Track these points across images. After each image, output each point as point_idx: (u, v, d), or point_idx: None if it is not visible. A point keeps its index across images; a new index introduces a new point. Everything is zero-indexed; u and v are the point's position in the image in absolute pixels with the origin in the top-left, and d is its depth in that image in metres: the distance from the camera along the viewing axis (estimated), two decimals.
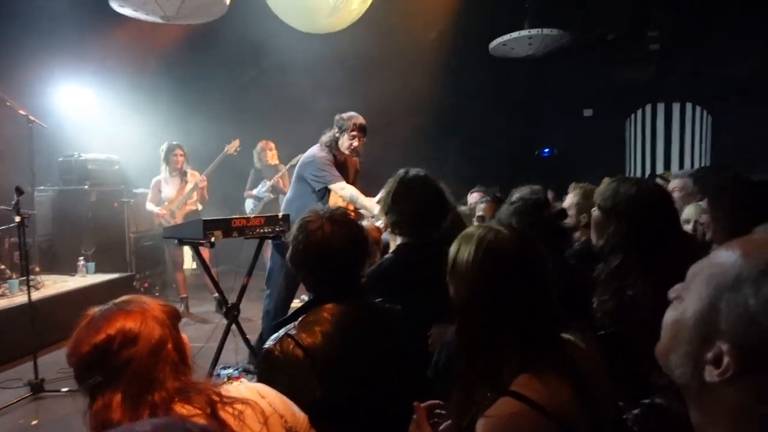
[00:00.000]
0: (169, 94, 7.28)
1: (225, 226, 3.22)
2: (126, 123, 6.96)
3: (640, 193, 1.81)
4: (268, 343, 1.49)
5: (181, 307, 5.93)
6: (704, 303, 0.71)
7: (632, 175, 10.02)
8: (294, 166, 6.71)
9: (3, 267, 5.31)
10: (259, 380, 1.40)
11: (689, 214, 2.90)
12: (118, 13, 5.52)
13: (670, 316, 0.79)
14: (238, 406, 1.17)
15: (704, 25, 7.99)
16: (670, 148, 9.79)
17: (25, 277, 3.96)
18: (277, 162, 6.70)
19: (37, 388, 3.82)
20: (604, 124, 9.95)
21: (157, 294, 6.79)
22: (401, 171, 2.21)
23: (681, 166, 9.69)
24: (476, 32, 7.40)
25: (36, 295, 4.78)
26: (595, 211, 1.96)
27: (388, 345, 1.64)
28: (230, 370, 3.79)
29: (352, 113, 4.10)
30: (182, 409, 1.14)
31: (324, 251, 1.55)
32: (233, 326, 3.66)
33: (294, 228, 1.61)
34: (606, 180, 2.30)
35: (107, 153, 6.64)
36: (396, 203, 2.12)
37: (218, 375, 3.82)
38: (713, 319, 0.70)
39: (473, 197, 4.85)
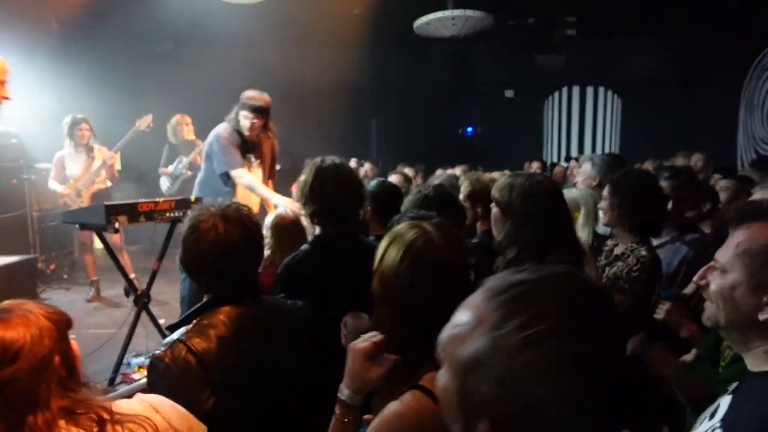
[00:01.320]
0: (75, 63, 6.75)
1: (130, 211, 3.06)
2: (25, 93, 6.39)
3: (533, 188, 1.88)
4: (158, 350, 1.43)
5: (91, 291, 5.64)
6: None
7: (550, 154, 10.48)
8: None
9: None
10: (149, 390, 1.34)
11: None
12: None
13: None
14: (130, 425, 1.11)
15: (618, 13, 8.37)
16: (584, 129, 10.29)
17: None
18: (193, 137, 6.43)
19: None
20: (524, 106, 10.30)
21: (65, 276, 6.42)
22: (317, 159, 2.17)
23: (593, 147, 10.23)
24: (401, 10, 7.36)
25: None
26: (494, 208, 2.01)
27: (293, 344, 1.62)
28: (141, 359, 3.65)
29: (252, 92, 3.81)
30: (67, 430, 1.07)
31: (218, 252, 1.47)
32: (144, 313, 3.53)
33: (185, 227, 1.52)
34: (502, 175, 2.39)
35: (3, 126, 6.09)
36: (312, 193, 2.09)
37: (128, 363, 3.68)
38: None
39: (393, 178, 4.88)
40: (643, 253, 2.17)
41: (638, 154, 7.30)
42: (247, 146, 3.84)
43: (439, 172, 5.61)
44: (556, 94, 10.40)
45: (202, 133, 6.54)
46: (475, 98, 10.45)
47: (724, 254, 1.19)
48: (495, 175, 3.62)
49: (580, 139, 10.34)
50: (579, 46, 9.38)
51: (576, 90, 10.26)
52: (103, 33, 7.00)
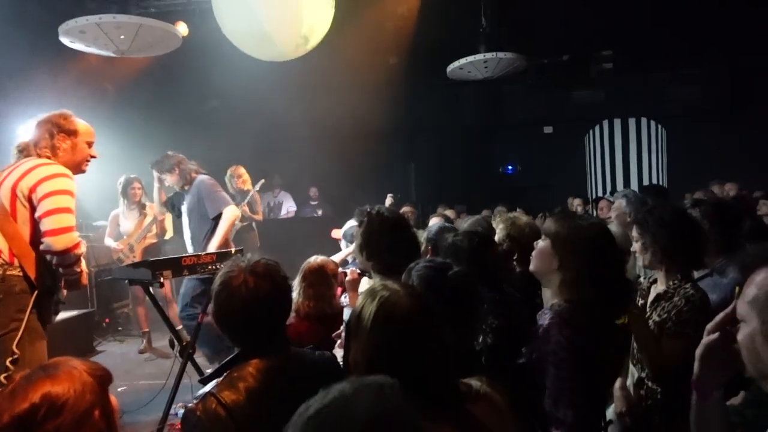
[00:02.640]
0: (128, 124, 7.21)
1: (175, 266, 3.20)
2: None
3: (587, 230, 1.86)
4: (192, 403, 1.48)
5: (143, 342, 5.83)
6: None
7: (594, 189, 10.28)
8: (258, 191, 6.74)
9: None
10: None
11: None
12: (71, 48, 5.50)
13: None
14: None
15: (655, 43, 8.30)
16: (629, 162, 10.07)
17: None
18: (249, 187, 6.64)
19: None
20: (564, 141, 10.20)
21: (120, 329, 6.67)
22: (370, 210, 2.25)
23: (640, 179, 9.97)
24: (434, 56, 7.55)
25: None
26: (541, 241, 1.97)
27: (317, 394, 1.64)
28: None
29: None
30: None
31: (249, 307, 1.53)
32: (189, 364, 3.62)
33: (216, 283, 1.59)
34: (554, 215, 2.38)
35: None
36: (366, 243, 2.16)
37: (176, 414, 3.76)
38: None
39: (434, 221, 4.90)
40: (691, 291, 2.06)
41: (687, 184, 7.09)
42: None
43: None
44: (597, 128, 10.27)
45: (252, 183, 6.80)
46: (512, 136, 10.45)
47: (741, 304, 1.17)
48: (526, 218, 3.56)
49: (625, 172, 10.11)
50: (617, 79, 9.31)
51: (617, 122, 10.11)
52: (153, 96, 7.47)
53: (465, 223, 3.38)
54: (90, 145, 2.99)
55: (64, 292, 2.93)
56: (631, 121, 10.03)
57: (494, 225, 2.99)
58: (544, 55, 8.49)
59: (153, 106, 7.63)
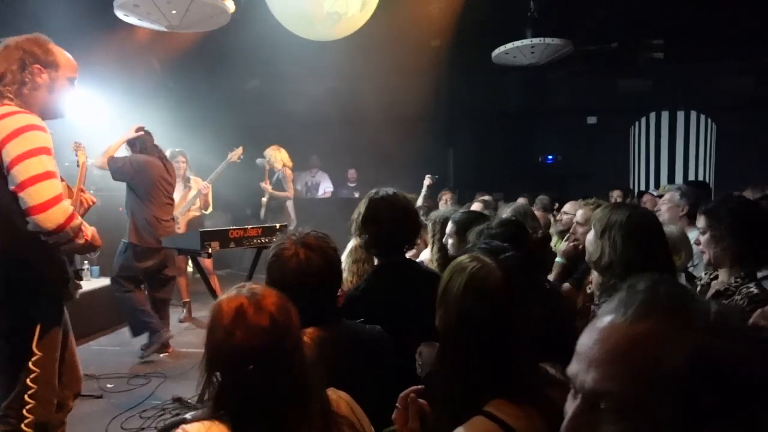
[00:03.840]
0: (174, 100, 7.36)
1: (222, 237, 3.27)
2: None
3: (632, 218, 1.85)
4: None
5: (184, 312, 6.00)
6: None
7: (637, 182, 10.03)
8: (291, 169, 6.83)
9: None
10: None
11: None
12: (124, 22, 5.62)
13: None
14: None
15: (708, 34, 7.98)
16: (675, 156, 9.77)
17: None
18: (278, 166, 6.74)
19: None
20: (608, 132, 9.96)
21: None
22: (371, 192, 2.25)
23: (686, 174, 9.68)
24: (478, 40, 7.44)
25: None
26: (590, 233, 1.98)
27: (370, 366, 1.67)
28: None
29: None
30: None
31: (300, 279, 1.56)
32: None
33: (269, 256, 1.63)
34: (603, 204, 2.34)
35: None
36: (366, 224, 2.15)
37: None
38: None
39: (476, 206, 4.87)
40: (755, 291, 1.95)
41: (736, 181, 6.86)
42: None
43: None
44: (643, 120, 9.97)
45: (297, 163, 6.84)
46: (554, 125, 10.24)
47: None
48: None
49: (671, 167, 9.82)
50: (666, 69, 9.00)
51: (665, 115, 9.80)
52: (198, 72, 7.58)
53: (506, 210, 3.35)
54: (71, 81, 2.32)
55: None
56: (680, 114, 9.71)
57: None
58: (591, 41, 8.26)
59: (197, 82, 7.75)
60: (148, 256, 4.68)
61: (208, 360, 1.24)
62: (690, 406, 0.61)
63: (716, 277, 2.19)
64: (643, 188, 9.51)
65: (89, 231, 2.26)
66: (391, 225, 2.13)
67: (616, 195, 6.70)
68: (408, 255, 2.54)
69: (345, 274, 2.82)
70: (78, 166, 3.03)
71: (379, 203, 2.17)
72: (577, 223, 2.79)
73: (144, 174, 4.68)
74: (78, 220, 2.15)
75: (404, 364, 1.86)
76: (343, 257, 2.86)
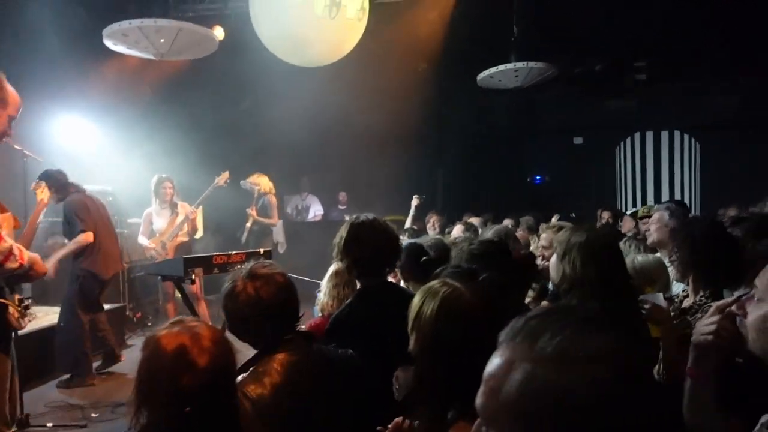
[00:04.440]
0: (161, 127, 7.41)
1: (206, 263, 3.30)
2: (119, 155, 7.09)
3: (591, 240, 1.89)
4: None
5: None
6: None
7: (624, 202, 10.13)
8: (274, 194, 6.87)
9: None
10: None
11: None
12: (112, 51, 5.70)
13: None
14: None
15: (691, 55, 8.15)
16: (660, 175, 9.90)
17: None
18: (264, 190, 6.78)
19: (21, 424, 3.83)
20: (594, 152, 10.09)
21: (149, 324, 6.82)
22: (353, 217, 2.33)
23: (672, 194, 9.79)
24: (464, 63, 7.56)
25: (28, 327, 4.88)
26: (553, 257, 2.04)
27: (343, 389, 1.69)
28: None
29: None
30: None
31: (255, 311, 1.61)
32: None
33: (222, 297, 1.69)
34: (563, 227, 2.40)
35: (102, 185, 6.73)
36: (347, 247, 2.21)
37: None
38: None
39: (456, 229, 4.92)
40: None
41: (720, 200, 6.94)
42: None
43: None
44: (629, 140, 10.12)
45: (282, 185, 6.88)
46: (541, 145, 10.37)
47: (760, 283, 1.16)
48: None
49: (657, 187, 9.94)
50: (651, 90, 9.16)
51: (650, 135, 9.95)
52: (187, 97, 7.66)
53: (488, 231, 3.40)
54: (11, 119, 2.30)
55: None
56: (664, 134, 9.87)
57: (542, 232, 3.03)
58: (576, 63, 8.41)
59: (187, 107, 7.82)
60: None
61: (139, 397, 1.22)
62: (528, 429, 0.66)
63: (687, 295, 2.25)
64: (630, 208, 9.60)
65: (26, 256, 2.20)
66: (372, 248, 2.19)
67: (606, 216, 6.73)
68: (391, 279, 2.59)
69: (325, 298, 2.84)
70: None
71: (360, 227, 2.24)
72: (542, 246, 2.84)
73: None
74: (6, 243, 2.10)
75: (385, 388, 1.87)
76: (324, 282, 2.88)
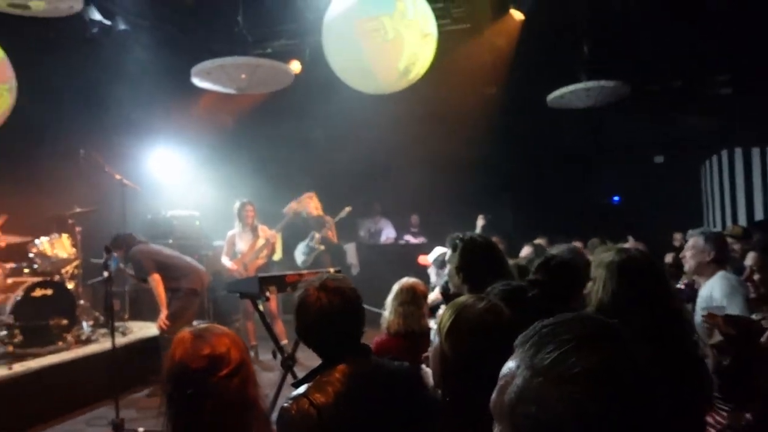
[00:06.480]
0: (242, 154, 7.95)
1: (279, 282, 3.51)
2: (205, 182, 7.66)
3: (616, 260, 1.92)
4: (286, 402, 1.67)
5: (251, 355, 6.26)
6: None
7: (711, 223, 9.57)
8: (342, 219, 7.08)
9: (98, 314, 5.97)
10: None
11: None
12: (199, 87, 6.22)
13: None
14: None
15: None
16: (752, 194, 9.25)
17: (114, 324, 4.44)
18: (321, 213, 6.97)
19: (117, 427, 4.20)
20: (677, 171, 9.62)
21: None
22: (462, 236, 2.50)
23: (766, 213, 9.13)
24: (533, 85, 7.55)
25: (123, 340, 5.47)
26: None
27: (399, 401, 1.78)
28: None
29: None
30: None
31: (324, 320, 1.73)
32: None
33: (296, 304, 1.81)
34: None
35: (189, 210, 7.29)
36: (464, 266, 2.39)
37: None
38: None
39: (525, 251, 4.92)
40: None
41: None
42: None
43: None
44: (715, 158, 9.57)
45: (355, 209, 7.12)
46: (617, 165, 10.02)
47: None
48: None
49: (749, 205, 9.29)
50: (736, 104, 8.67)
51: (738, 152, 9.36)
52: (266, 127, 8.16)
53: (555, 250, 3.38)
54: None
55: None
56: (755, 151, 9.25)
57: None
58: (649, 80, 8.15)
59: (266, 136, 8.33)
60: None
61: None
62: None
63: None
64: (719, 228, 9.04)
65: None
66: (491, 265, 2.42)
67: (678, 238, 6.43)
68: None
69: (391, 316, 2.96)
70: None
71: (475, 246, 2.47)
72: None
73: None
74: None
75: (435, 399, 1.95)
76: (389, 300, 3.00)
